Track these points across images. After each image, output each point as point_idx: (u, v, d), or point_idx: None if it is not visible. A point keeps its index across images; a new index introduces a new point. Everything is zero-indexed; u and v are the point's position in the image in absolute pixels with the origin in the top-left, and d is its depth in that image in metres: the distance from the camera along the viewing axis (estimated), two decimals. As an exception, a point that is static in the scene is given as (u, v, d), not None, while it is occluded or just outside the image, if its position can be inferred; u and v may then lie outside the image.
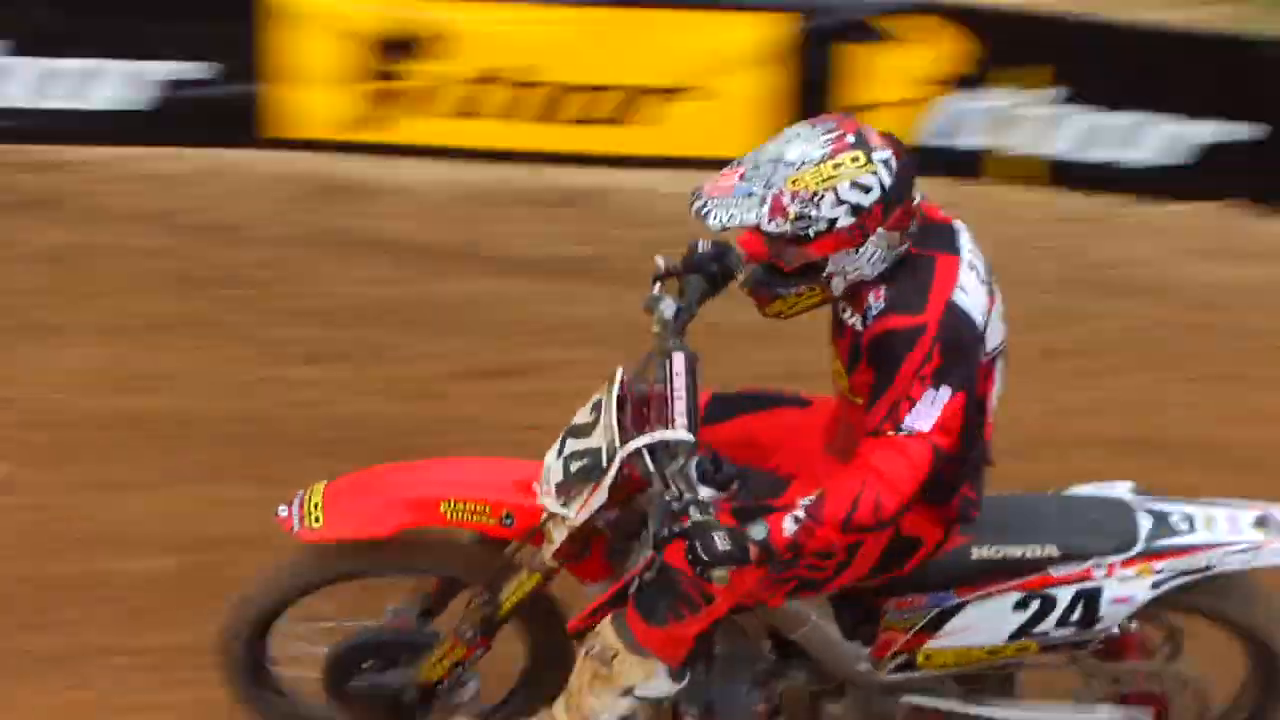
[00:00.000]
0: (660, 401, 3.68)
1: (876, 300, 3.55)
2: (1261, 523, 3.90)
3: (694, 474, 3.48)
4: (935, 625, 3.89)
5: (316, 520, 3.92)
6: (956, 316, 3.49)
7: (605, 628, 3.83)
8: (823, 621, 3.91)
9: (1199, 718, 4.16)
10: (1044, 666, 4.11)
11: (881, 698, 4.03)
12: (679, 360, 3.73)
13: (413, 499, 3.93)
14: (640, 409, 3.73)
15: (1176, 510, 3.93)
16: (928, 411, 3.45)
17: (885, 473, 3.46)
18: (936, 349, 3.44)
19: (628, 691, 3.80)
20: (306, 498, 4.00)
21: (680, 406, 3.64)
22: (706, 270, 3.94)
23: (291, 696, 4.33)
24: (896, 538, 3.73)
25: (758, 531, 3.49)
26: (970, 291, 3.54)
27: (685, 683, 3.85)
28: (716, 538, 3.43)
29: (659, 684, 3.80)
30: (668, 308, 3.86)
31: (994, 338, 3.65)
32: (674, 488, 3.48)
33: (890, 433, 3.47)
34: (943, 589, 3.86)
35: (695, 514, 3.44)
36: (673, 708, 4.03)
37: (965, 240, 3.64)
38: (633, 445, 3.61)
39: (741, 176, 3.48)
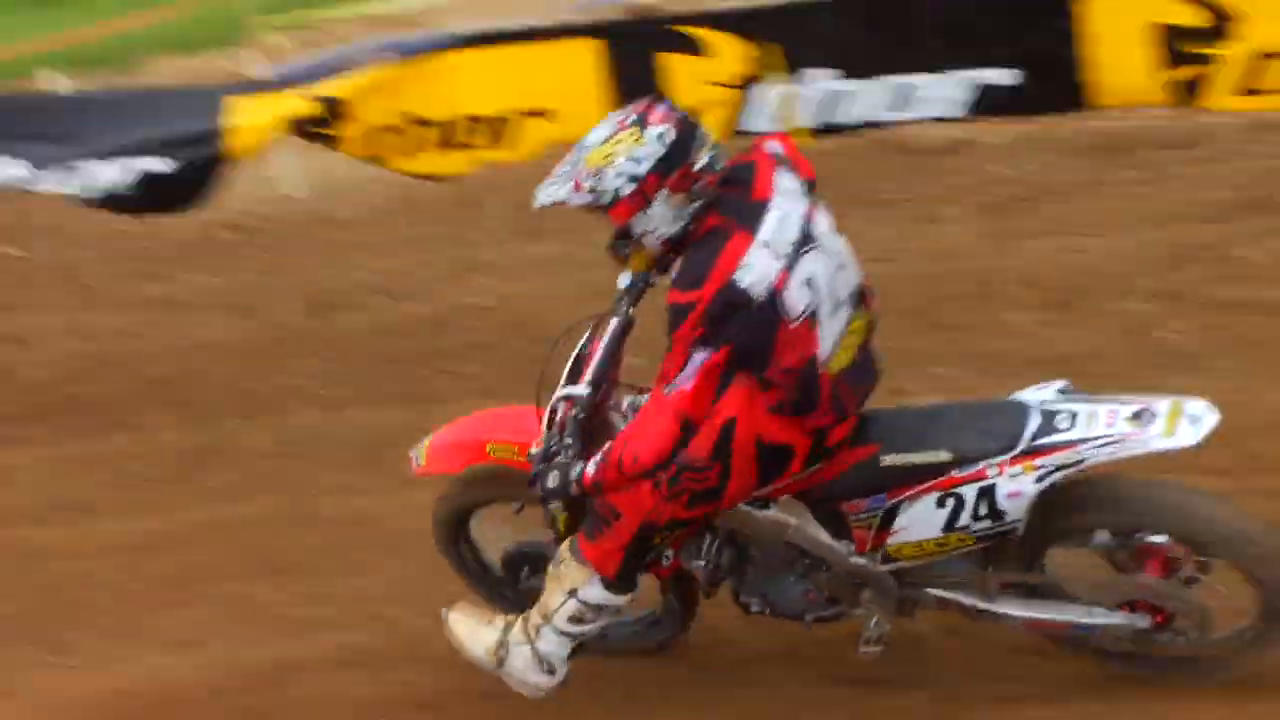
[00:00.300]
0: (590, 358, 4.47)
1: (675, 270, 4.18)
2: (1137, 416, 4.22)
3: (575, 423, 4.33)
4: (885, 524, 4.45)
5: (421, 460, 4.89)
6: (731, 293, 4.03)
7: (566, 541, 4.63)
8: (806, 525, 4.54)
9: (1199, 636, 4.47)
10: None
11: (908, 589, 4.58)
12: (610, 324, 4.49)
13: (470, 441, 4.82)
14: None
15: (1066, 408, 4.32)
16: (689, 374, 4.06)
17: (644, 429, 4.18)
18: (705, 321, 4.02)
19: (572, 593, 4.58)
20: (425, 440, 4.91)
21: (591, 365, 4.45)
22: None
23: (489, 569, 5.21)
24: (764, 447, 4.32)
25: (576, 471, 4.28)
26: (755, 268, 4.05)
27: (629, 595, 4.60)
28: (549, 477, 4.30)
29: (595, 590, 4.56)
30: (624, 278, 4.51)
31: (798, 302, 4.14)
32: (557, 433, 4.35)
33: (661, 390, 4.14)
34: (874, 494, 4.42)
35: (561, 457, 4.31)
36: (736, 597, 4.78)
37: (772, 217, 4.13)
38: (554, 396, 4.46)
39: (564, 163, 4.21)
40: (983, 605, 4.53)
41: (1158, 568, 4.41)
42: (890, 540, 4.45)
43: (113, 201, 9.05)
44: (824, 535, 4.53)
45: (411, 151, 7.80)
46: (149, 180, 8.72)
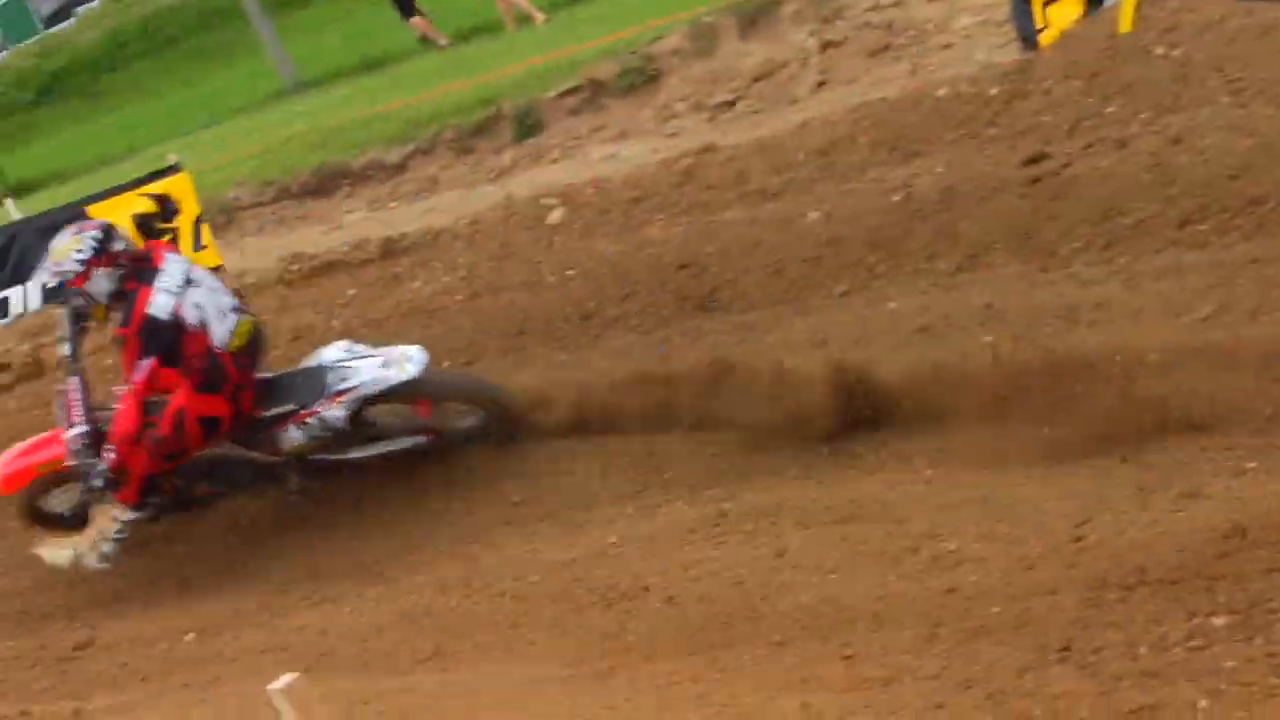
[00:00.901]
0: (73, 404, 7.86)
1: (116, 316, 7.66)
2: (385, 364, 7.80)
3: (89, 444, 7.74)
4: (278, 443, 7.95)
5: None
6: (149, 323, 7.53)
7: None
8: (239, 451, 8.08)
9: (458, 436, 8.04)
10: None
11: (311, 461, 8.06)
12: (73, 380, 7.91)
13: (22, 469, 8.14)
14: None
15: (346, 366, 7.85)
16: (138, 374, 7.52)
17: (120, 413, 7.66)
18: (139, 343, 7.53)
19: (114, 519, 7.92)
20: None
21: (78, 408, 7.81)
22: (77, 313, 8.05)
23: (64, 516, 8.42)
24: (203, 420, 7.79)
25: (101, 467, 7.73)
26: (158, 305, 7.57)
27: (146, 511, 8.00)
28: (94, 481, 7.79)
29: (127, 514, 7.92)
30: (62, 345, 8.10)
31: (191, 317, 7.63)
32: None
33: (124, 389, 7.62)
34: (270, 429, 7.92)
35: (93, 467, 7.73)
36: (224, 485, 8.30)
37: (165, 275, 7.65)
38: (69, 437, 7.83)
39: (45, 261, 8.19)
40: (342, 456, 7.96)
41: (425, 410, 7.93)
42: (285, 449, 7.87)
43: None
44: (247, 453, 7.96)
45: None
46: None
